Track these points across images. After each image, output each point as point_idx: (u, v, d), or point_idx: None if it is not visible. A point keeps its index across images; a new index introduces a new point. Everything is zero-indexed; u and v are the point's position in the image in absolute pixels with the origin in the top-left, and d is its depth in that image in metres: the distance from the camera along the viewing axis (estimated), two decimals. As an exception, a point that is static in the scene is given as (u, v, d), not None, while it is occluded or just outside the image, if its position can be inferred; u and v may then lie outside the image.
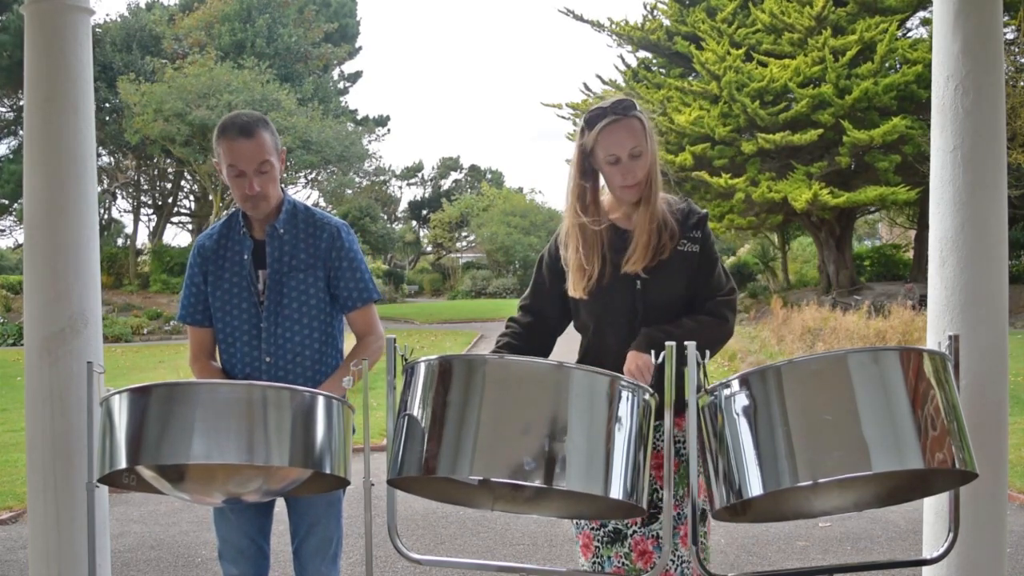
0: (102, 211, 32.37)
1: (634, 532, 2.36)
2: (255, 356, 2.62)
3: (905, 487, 2.07)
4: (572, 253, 2.41)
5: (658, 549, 2.33)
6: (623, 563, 2.37)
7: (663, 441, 2.09)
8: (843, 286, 21.72)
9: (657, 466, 2.25)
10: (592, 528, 2.40)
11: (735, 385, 1.89)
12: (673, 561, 2.33)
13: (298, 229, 2.66)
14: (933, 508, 2.76)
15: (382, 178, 39.49)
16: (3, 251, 39.18)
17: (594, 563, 2.39)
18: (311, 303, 2.64)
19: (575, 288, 2.41)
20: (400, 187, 47.68)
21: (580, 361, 2.44)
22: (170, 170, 32.39)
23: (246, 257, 2.64)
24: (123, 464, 2.00)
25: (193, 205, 35.74)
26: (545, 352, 2.52)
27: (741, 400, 1.87)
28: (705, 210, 2.53)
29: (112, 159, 31.82)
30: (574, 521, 2.44)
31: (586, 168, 2.42)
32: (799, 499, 2.12)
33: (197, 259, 2.70)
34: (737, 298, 2.51)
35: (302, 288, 2.63)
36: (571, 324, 2.58)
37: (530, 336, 2.52)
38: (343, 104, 34.79)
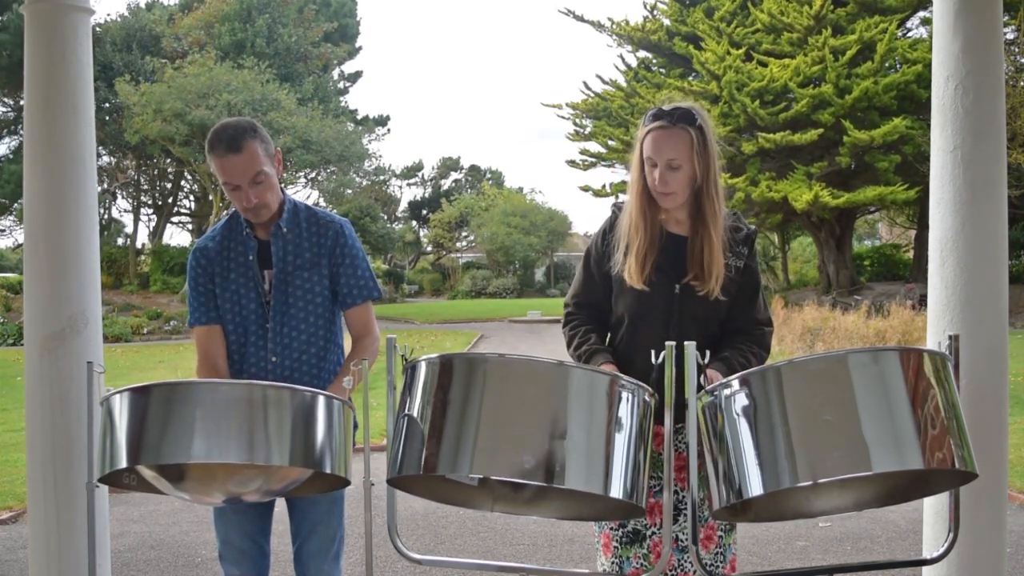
0: (102, 211, 32.35)
1: (653, 533, 2.37)
2: (261, 356, 2.63)
3: (905, 487, 2.07)
4: (635, 244, 2.37)
5: (678, 551, 2.34)
6: (642, 564, 2.37)
7: (681, 443, 2.08)
8: (843, 286, 21.72)
9: (679, 468, 2.25)
10: (611, 528, 2.41)
11: (735, 385, 1.89)
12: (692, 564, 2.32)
13: (301, 228, 2.66)
14: (933, 508, 2.76)
15: (382, 178, 39.39)
16: (3, 251, 39.20)
17: (613, 563, 2.40)
18: (316, 300, 2.65)
19: (634, 277, 2.36)
20: (400, 187, 47.67)
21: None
22: (170, 170, 32.37)
23: (251, 258, 2.64)
24: (123, 464, 2.00)
25: (193, 205, 35.74)
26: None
27: (741, 400, 1.87)
28: (754, 227, 2.51)
29: (112, 159, 31.79)
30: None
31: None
32: (799, 499, 2.12)
33: (201, 261, 2.67)
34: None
35: (307, 287, 2.63)
36: None
37: (595, 322, 2.51)
38: (343, 104, 34.77)
